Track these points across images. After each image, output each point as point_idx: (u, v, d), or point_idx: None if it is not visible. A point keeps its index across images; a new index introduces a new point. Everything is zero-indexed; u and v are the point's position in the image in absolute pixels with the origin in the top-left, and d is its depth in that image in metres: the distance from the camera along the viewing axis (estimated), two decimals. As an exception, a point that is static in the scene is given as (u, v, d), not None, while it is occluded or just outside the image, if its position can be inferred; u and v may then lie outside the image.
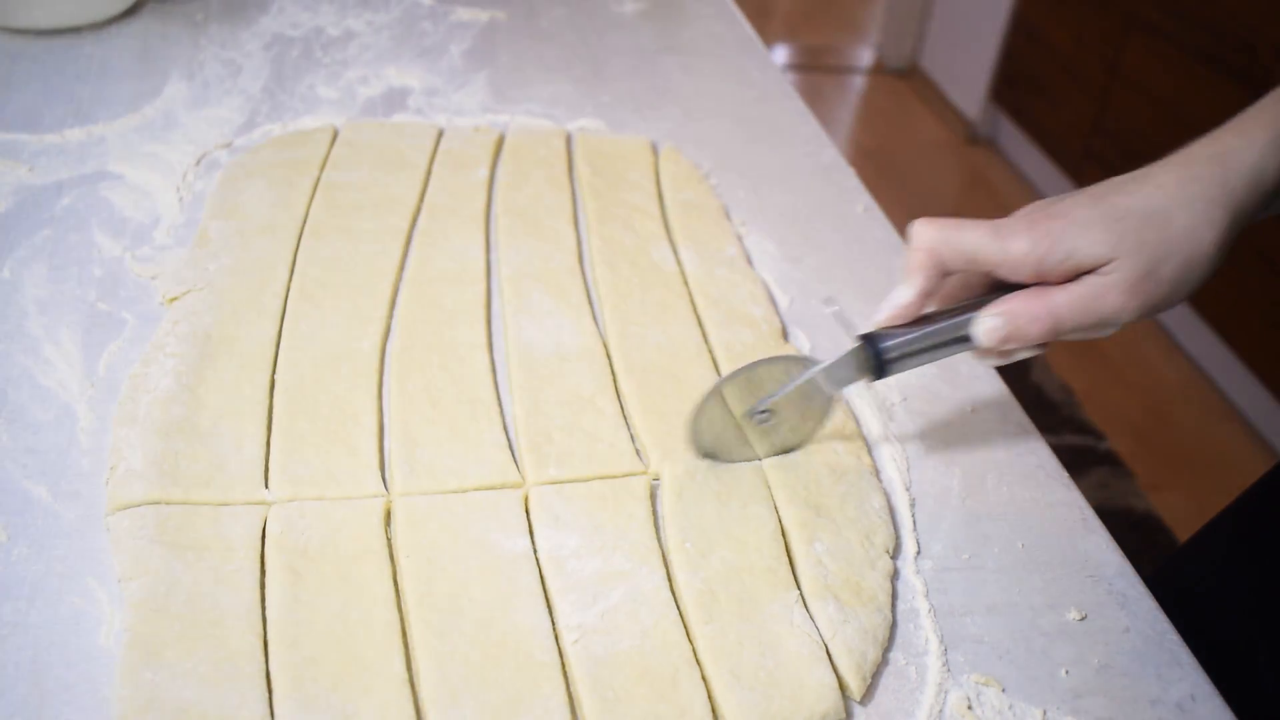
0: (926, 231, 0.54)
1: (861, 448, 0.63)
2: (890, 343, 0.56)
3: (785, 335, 0.71)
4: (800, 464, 0.60)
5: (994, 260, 0.53)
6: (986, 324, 0.54)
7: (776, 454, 0.61)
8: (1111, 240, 0.51)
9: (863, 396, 0.67)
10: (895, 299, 0.56)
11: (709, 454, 0.60)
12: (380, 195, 0.78)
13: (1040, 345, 0.55)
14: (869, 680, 0.50)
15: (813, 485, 0.59)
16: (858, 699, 0.50)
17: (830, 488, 0.59)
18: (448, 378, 0.63)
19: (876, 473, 0.62)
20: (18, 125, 0.83)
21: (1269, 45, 1.89)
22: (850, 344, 0.57)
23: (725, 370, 0.67)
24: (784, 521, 0.57)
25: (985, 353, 0.56)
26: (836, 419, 0.64)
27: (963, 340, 0.55)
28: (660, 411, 0.63)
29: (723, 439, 0.60)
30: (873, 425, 0.66)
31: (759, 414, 0.59)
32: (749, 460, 0.61)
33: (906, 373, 0.69)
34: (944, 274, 0.55)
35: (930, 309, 0.57)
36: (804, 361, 0.59)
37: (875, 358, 0.56)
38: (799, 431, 0.61)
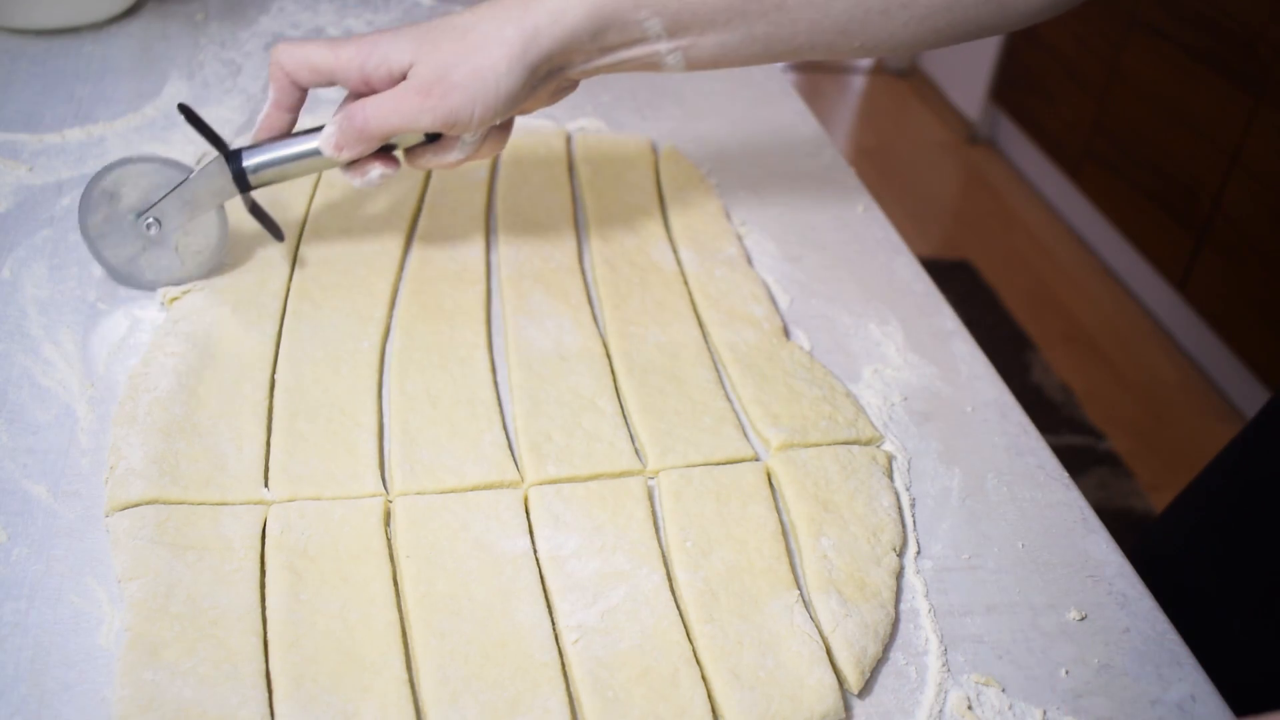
0: (279, 48, 0.60)
1: (875, 447, 0.63)
2: (252, 156, 0.63)
3: (786, 334, 0.71)
4: (810, 460, 0.60)
5: (330, 67, 0.60)
6: (325, 131, 0.61)
7: (180, 277, 0.67)
8: (414, 47, 0.58)
9: (863, 396, 0.67)
10: (262, 114, 0.63)
11: (114, 268, 0.67)
12: (380, 195, 0.78)
13: (388, 160, 0.63)
14: (868, 674, 0.50)
15: (822, 481, 0.59)
16: (855, 692, 0.50)
17: (840, 484, 0.59)
18: (447, 378, 0.63)
19: (890, 471, 0.62)
20: (18, 125, 0.83)
21: (1269, 45, 1.89)
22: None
23: (728, 372, 0.67)
24: (792, 516, 0.57)
25: (346, 167, 0.63)
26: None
27: (315, 152, 0.62)
28: (660, 411, 0.63)
29: (120, 249, 0.66)
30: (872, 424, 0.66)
31: (146, 221, 0.64)
32: (158, 280, 0.67)
33: (906, 373, 0.69)
34: (295, 85, 0.61)
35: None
36: (179, 169, 0.64)
37: (238, 168, 0.62)
38: (195, 252, 0.66)
